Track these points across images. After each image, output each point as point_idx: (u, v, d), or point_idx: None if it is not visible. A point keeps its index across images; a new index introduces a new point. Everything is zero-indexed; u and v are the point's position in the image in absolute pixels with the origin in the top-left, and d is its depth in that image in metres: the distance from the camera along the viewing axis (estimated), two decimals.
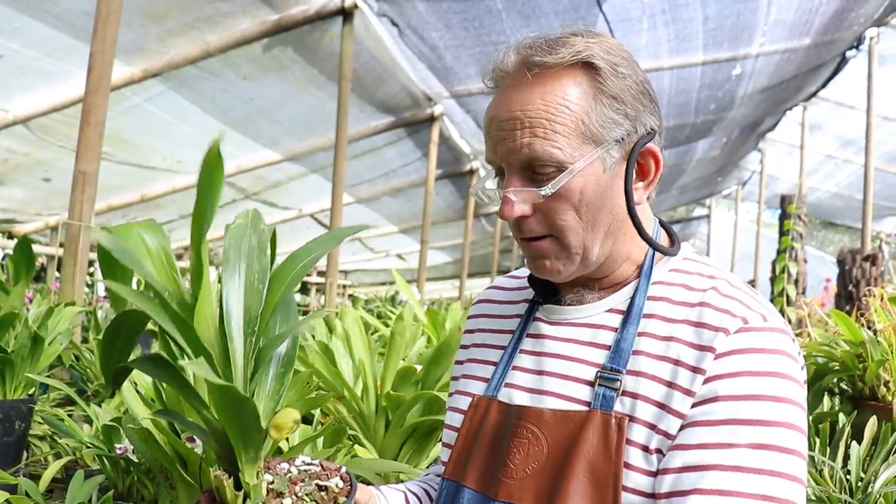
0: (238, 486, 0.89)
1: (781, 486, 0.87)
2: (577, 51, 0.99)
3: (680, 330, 0.98)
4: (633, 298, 1.05)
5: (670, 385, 0.95)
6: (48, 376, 2.58)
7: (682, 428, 0.93)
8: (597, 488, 0.95)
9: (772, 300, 6.12)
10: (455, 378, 1.25)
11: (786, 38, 7.03)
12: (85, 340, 3.61)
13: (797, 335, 3.12)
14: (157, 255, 0.88)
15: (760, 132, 11.05)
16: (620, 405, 0.98)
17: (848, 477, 1.94)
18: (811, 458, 2.02)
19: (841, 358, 2.46)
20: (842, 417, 2.15)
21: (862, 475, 1.93)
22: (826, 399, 2.91)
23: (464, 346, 1.27)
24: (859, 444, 2.03)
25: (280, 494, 0.91)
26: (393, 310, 5.99)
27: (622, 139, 1.01)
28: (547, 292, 1.15)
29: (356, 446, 2.03)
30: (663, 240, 1.12)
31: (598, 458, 0.95)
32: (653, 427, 0.95)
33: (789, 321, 2.98)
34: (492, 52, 1.08)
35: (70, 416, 2.35)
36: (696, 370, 0.94)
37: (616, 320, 1.05)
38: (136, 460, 1.72)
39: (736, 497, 0.87)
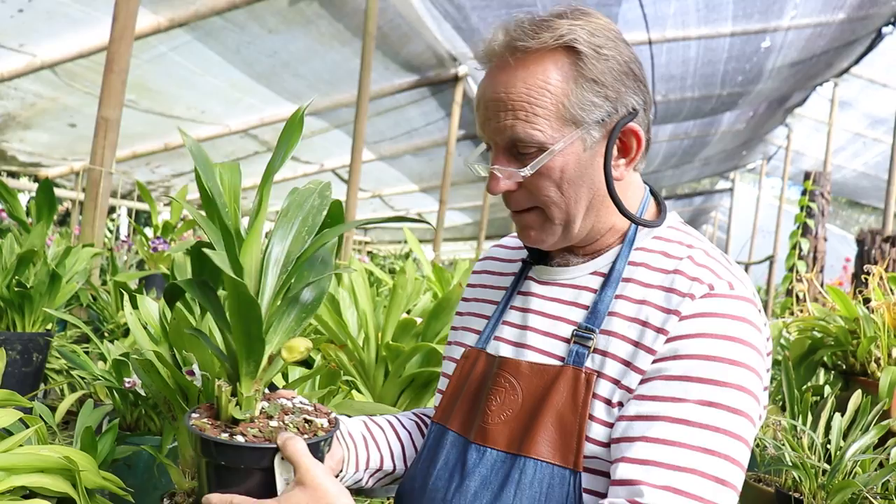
0: (234, 395, 0.99)
1: (723, 442, 0.94)
2: (559, 35, 1.03)
3: (652, 294, 1.05)
4: (614, 263, 1.12)
5: (636, 344, 1.02)
6: (70, 314, 2.70)
7: (641, 382, 1.00)
8: (562, 436, 1.03)
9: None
10: (454, 329, 1.34)
11: (818, 12, 6.91)
12: (104, 283, 3.73)
13: (800, 311, 3.15)
14: (229, 190, 1.04)
15: (788, 107, 10.90)
16: (591, 362, 1.05)
17: (828, 446, 2.00)
18: (793, 426, 2.08)
19: (835, 333, 2.50)
20: (827, 389, 2.20)
21: (842, 444, 1.98)
22: (822, 374, 2.96)
23: (465, 300, 1.36)
24: (843, 416, 2.08)
25: (270, 417, 1.01)
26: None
27: (603, 120, 1.06)
28: (539, 253, 1.23)
29: (354, 392, 2.12)
30: (651, 209, 1.18)
31: (566, 410, 1.03)
32: (617, 382, 1.02)
33: (797, 297, 3.02)
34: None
35: (87, 353, 2.46)
36: (660, 331, 1.01)
37: (598, 282, 1.12)
38: (144, 394, 1.82)
39: (678, 447, 0.94)
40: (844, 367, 2.53)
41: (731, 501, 0.94)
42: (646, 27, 6.64)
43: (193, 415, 1.05)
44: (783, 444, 1.95)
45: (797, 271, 5.60)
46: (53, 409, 2.11)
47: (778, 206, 12.44)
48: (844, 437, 2.01)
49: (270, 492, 0.97)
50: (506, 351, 1.16)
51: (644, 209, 1.17)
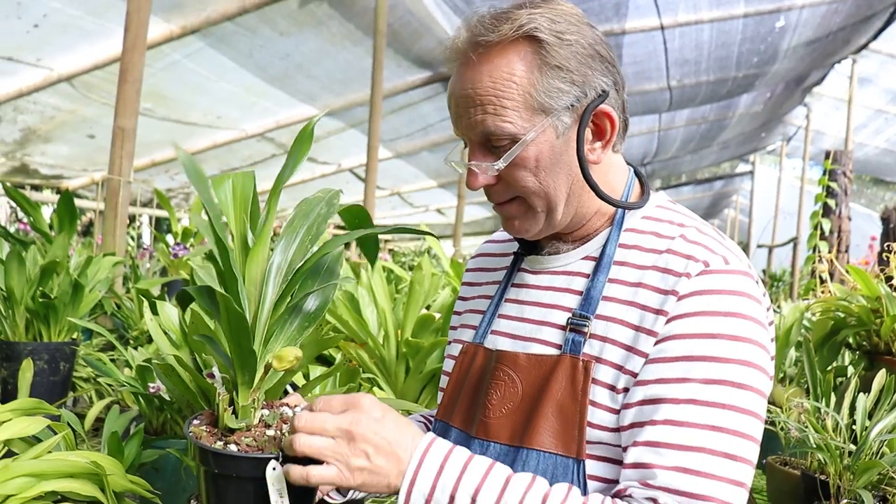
0: (233, 405, 1.01)
1: (732, 419, 0.94)
2: (519, 25, 1.03)
3: (648, 276, 1.04)
4: (604, 247, 1.11)
5: (637, 329, 1.02)
6: (95, 323, 2.74)
7: (644, 365, 1.00)
8: (564, 425, 1.03)
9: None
10: (453, 328, 1.34)
11: None
12: (128, 291, 3.78)
13: (822, 292, 3.12)
14: (240, 201, 1.06)
15: (806, 86, 10.75)
16: (590, 348, 1.05)
17: (853, 427, 1.99)
18: (816, 409, 2.07)
19: (857, 313, 2.47)
20: (850, 370, 2.18)
21: (867, 424, 1.97)
22: (847, 354, 2.93)
23: (462, 298, 1.36)
24: (868, 396, 2.07)
25: (267, 426, 1.02)
26: None
27: (572, 105, 1.05)
28: (529, 243, 1.23)
29: (375, 388, 2.14)
30: (636, 190, 1.18)
31: (566, 399, 1.03)
32: (620, 368, 1.02)
33: (821, 279, 2.99)
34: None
35: (113, 361, 2.50)
36: (659, 312, 1.00)
37: (590, 267, 1.12)
38: (168, 398, 1.85)
39: (687, 427, 0.94)
40: (868, 346, 2.51)
41: (746, 475, 0.94)
42: (657, 13, 6.59)
43: (195, 421, 1.06)
44: (806, 427, 1.94)
45: (819, 252, 5.54)
46: (83, 417, 2.15)
47: (800, 188, 12.27)
48: (870, 417, 1.99)
49: (265, 502, 0.96)
50: (503, 344, 1.16)
51: (629, 191, 1.16)
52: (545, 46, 1.03)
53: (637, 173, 1.20)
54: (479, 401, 1.14)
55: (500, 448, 1.08)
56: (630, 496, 0.95)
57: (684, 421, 0.94)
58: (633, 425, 0.99)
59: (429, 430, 1.35)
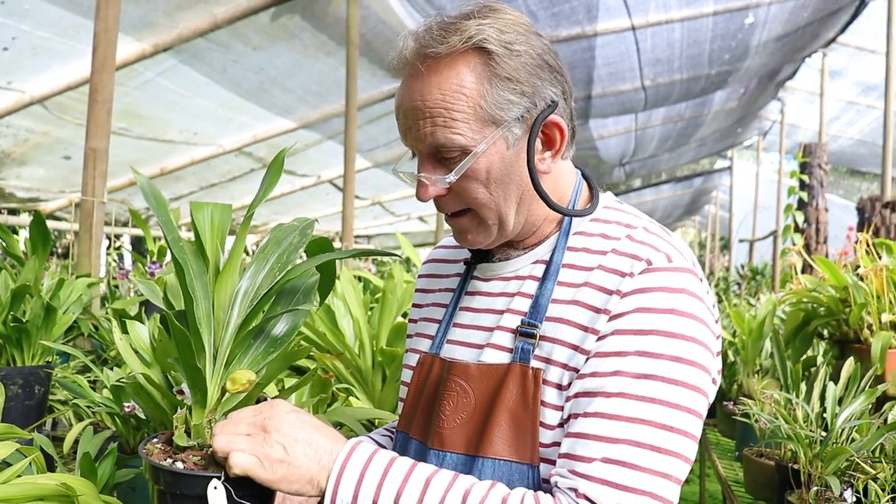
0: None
1: (661, 413, 0.95)
2: (468, 37, 1.03)
3: (594, 276, 1.06)
4: (553, 253, 1.12)
5: (585, 329, 1.03)
6: (73, 345, 2.73)
7: (585, 361, 1.02)
8: (517, 433, 1.04)
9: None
10: (409, 336, 1.35)
11: None
12: (106, 312, 3.76)
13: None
14: (216, 229, 1.08)
15: (779, 81, 10.87)
16: (540, 350, 1.06)
17: (825, 415, 2.02)
18: (787, 400, 2.10)
19: (826, 303, 2.51)
20: (819, 360, 2.22)
21: (836, 412, 2.00)
22: (822, 345, 2.97)
23: (416, 305, 1.37)
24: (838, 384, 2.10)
25: None
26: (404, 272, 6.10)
27: (522, 116, 1.06)
28: (480, 251, 1.24)
29: (352, 398, 2.15)
30: (585, 194, 1.20)
31: (518, 407, 1.05)
32: (565, 366, 1.04)
33: (796, 270, 3.02)
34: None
35: (94, 382, 2.49)
36: (603, 311, 1.02)
37: (541, 270, 1.14)
38: (144, 417, 1.85)
39: (615, 420, 0.95)
40: (838, 335, 2.54)
41: (676, 469, 0.95)
42: (628, 14, 6.66)
43: (154, 439, 1.08)
44: (776, 418, 1.97)
45: (794, 244, 5.61)
46: (62, 440, 2.15)
47: (777, 181, 12.38)
48: (839, 405, 2.02)
49: None
50: (458, 353, 1.17)
51: (577, 196, 1.18)
52: (494, 58, 1.04)
53: (585, 176, 1.22)
54: (434, 411, 1.15)
55: (456, 458, 1.09)
56: (556, 486, 0.97)
57: (613, 414, 0.96)
58: (569, 416, 1.01)
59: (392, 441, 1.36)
